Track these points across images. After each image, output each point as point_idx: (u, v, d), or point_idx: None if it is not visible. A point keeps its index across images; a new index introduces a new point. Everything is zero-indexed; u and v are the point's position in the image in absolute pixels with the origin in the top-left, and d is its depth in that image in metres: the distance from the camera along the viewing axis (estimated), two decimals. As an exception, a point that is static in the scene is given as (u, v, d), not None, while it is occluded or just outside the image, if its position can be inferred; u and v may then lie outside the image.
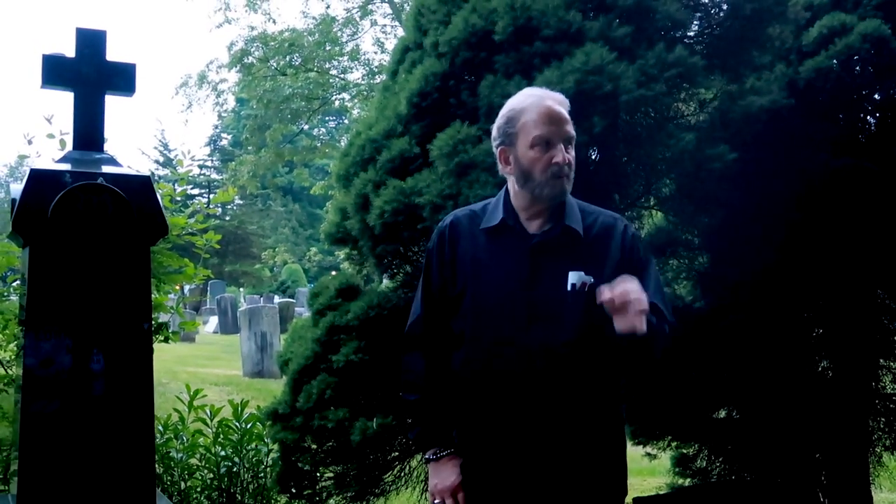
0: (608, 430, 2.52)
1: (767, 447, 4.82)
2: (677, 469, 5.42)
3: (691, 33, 4.45)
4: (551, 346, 2.41)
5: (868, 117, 4.87)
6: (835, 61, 4.36)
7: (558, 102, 2.49)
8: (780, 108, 4.08)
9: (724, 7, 4.44)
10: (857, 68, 4.50)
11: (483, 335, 2.49)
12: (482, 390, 2.48)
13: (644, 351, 2.39)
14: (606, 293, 2.23)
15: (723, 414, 5.08)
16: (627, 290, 2.23)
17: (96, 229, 3.03)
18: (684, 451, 5.38)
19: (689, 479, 5.37)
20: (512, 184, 2.55)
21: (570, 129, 2.48)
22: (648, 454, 5.47)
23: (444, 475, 2.55)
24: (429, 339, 2.63)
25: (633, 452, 4.93)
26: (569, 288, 2.40)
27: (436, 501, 2.58)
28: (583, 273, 2.41)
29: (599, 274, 2.43)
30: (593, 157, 4.33)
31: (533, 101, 2.49)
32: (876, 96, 4.77)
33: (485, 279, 2.51)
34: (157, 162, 55.31)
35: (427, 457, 2.61)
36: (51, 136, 4.47)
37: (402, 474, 4.72)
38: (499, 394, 2.45)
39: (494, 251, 2.53)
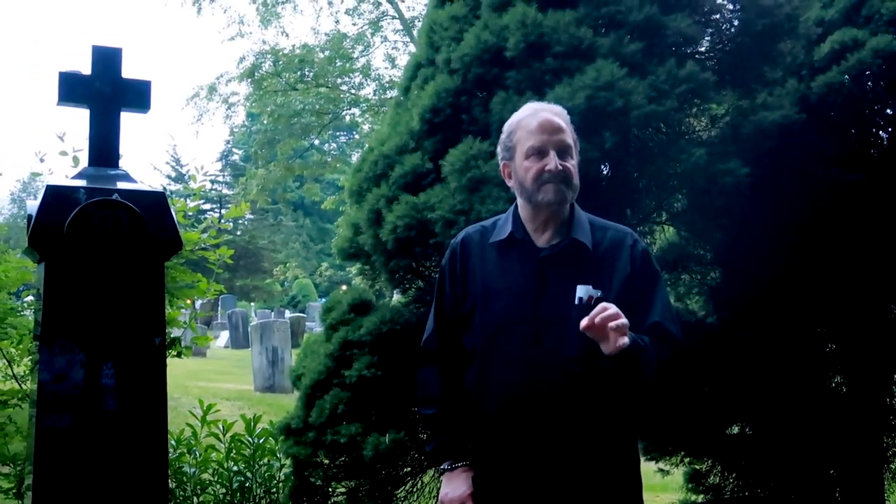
0: (620, 444, 2.51)
1: (781, 463, 4.79)
2: (690, 485, 5.39)
3: (702, 49, 4.46)
4: (559, 360, 2.42)
5: (880, 132, 4.86)
6: (846, 77, 4.37)
7: (553, 113, 2.52)
8: (791, 124, 4.08)
9: (736, 23, 4.45)
10: (869, 84, 4.51)
11: (492, 350, 2.50)
12: (492, 406, 2.49)
13: (633, 374, 2.39)
14: (584, 320, 2.24)
15: (736, 429, 5.05)
16: (602, 308, 2.23)
17: (111, 245, 3.04)
18: (697, 466, 5.35)
19: (701, 496, 5.34)
20: (518, 197, 2.58)
21: (565, 137, 2.49)
22: (661, 470, 5.44)
23: (456, 485, 2.58)
24: (443, 354, 2.65)
25: (646, 468, 4.89)
26: (576, 302, 2.41)
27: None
28: (590, 287, 2.41)
29: (608, 288, 2.44)
30: (605, 172, 4.34)
31: (527, 113, 2.54)
32: (888, 111, 4.77)
33: (493, 294, 2.52)
34: (168, 177, 55.58)
35: (442, 468, 2.64)
36: (63, 153, 4.50)
37: (415, 490, 4.71)
38: (508, 409, 2.45)
39: (503, 265, 2.54)
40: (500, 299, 2.51)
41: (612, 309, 2.23)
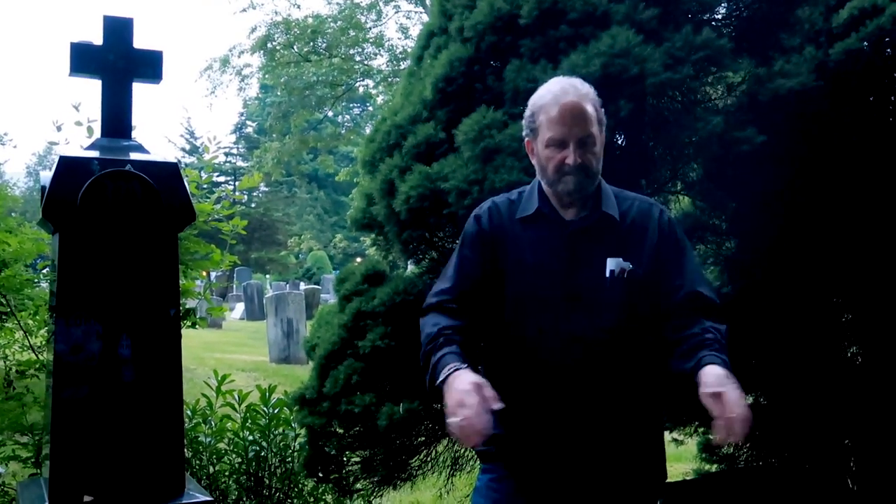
0: (648, 415, 2.53)
1: (795, 433, 4.79)
2: (704, 455, 5.40)
3: (719, 16, 4.41)
4: (591, 334, 2.41)
5: (899, 100, 4.79)
6: (865, 43, 4.29)
7: (577, 96, 2.44)
8: (809, 91, 4.02)
9: (753, -12, 4.38)
10: (889, 50, 4.43)
11: (522, 324, 2.48)
12: (522, 379, 2.48)
13: None
14: (708, 394, 2.30)
15: (750, 400, 5.04)
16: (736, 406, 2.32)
17: (125, 216, 3.05)
18: (711, 436, 5.36)
19: (715, 465, 5.35)
20: (538, 176, 2.56)
21: (587, 125, 2.42)
22: (675, 440, 5.45)
23: (462, 380, 2.22)
24: (451, 305, 2.50)
25: (660, 438, 4.91)
26: (608, 274, 2.41)
27: (453, 419, 2.15)
28: (621, 259, 2.42)
29: (638, 260, 2.44)
30: (619, 141, 4.31)
31: (551, 98, 2.46)
32: (907, 78, 4.69)
33: (523, 267, 2.50)
34: (182, 149, 55.70)
35: (440, 379, 2.27)
36: (78, 123, 4.52)
37: (429, 459, 4.74)
38: (539, 382, 2.45)
39: (532, 239, 2.52)
40: (530, 273, 2.49)
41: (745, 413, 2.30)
